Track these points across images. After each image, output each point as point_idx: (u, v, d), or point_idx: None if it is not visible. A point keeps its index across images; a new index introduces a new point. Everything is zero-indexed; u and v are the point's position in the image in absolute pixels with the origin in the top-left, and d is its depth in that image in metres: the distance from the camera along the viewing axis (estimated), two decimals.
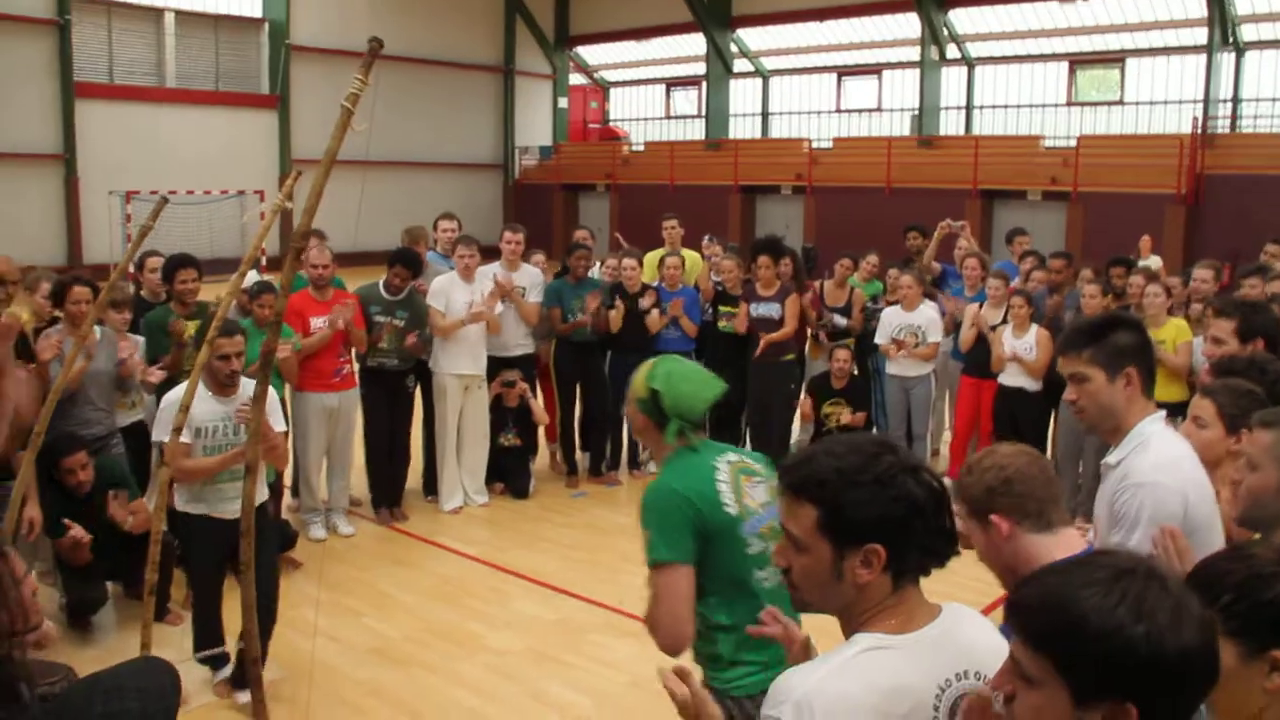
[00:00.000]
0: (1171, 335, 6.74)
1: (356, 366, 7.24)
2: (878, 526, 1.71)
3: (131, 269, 7.77)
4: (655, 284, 8.37)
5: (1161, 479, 2.59)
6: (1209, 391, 3.06)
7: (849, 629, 1.78)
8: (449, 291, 7.41)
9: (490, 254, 8.07)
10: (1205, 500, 2.58)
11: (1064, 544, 2.19)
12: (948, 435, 8.62)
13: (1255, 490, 2.30)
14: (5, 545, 1.90)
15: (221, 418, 4.86)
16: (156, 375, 6.06)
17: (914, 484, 1.72)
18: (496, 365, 7.74)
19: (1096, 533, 2.82)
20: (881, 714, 1.65)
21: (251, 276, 7.31)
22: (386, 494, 7.47)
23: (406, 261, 7.28)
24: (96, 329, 5.95)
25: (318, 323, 6.81)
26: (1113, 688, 1.36)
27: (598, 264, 8.69)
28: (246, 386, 4.77)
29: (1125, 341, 2.73)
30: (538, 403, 8.06)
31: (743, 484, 2.89)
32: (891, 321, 8.09)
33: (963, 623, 1.82)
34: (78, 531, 5.23)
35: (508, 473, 7.99)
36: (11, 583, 2.00)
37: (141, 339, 6.30)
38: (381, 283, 7.29)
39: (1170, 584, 1.41)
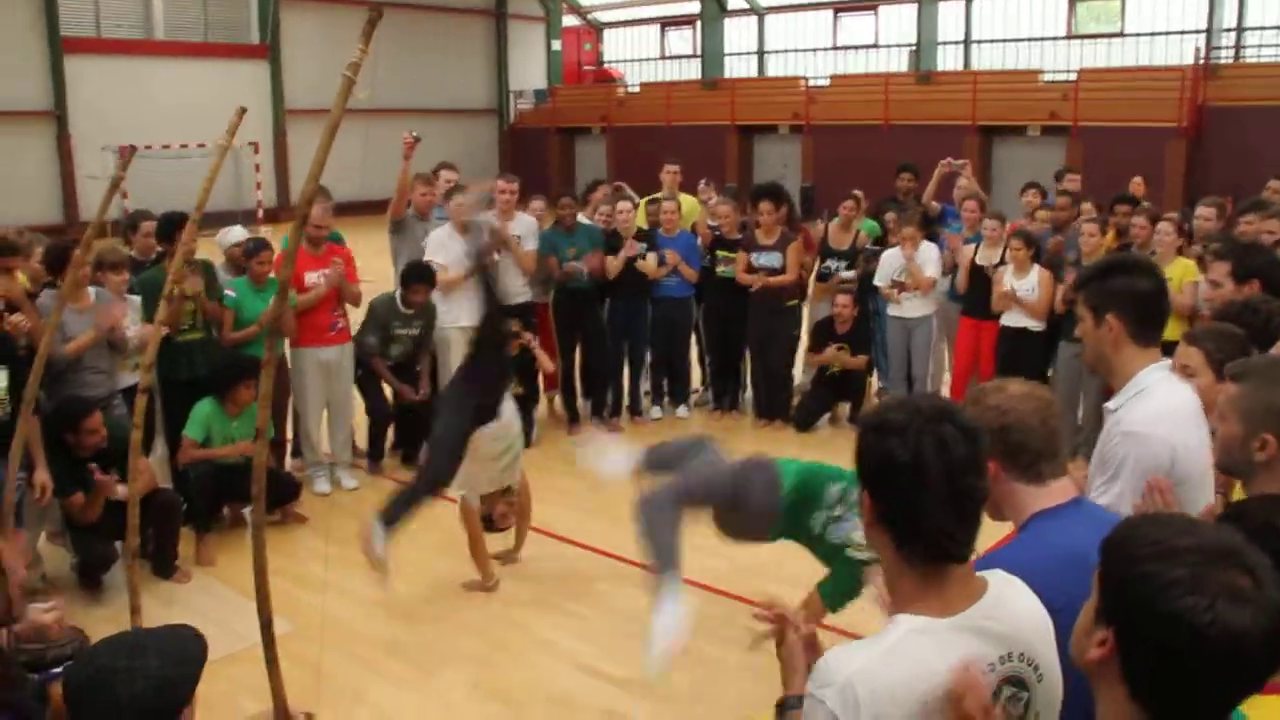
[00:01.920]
0: (1178, 274, 6.70)
1: (346, 321, 7.23)
2: (870, 470, 1.75)
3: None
4: (653, 230, 8.33)
5: (1152, 431, 2.59)
6: (1194, 338, 3.06)
7: (891, 607, 1.80)
8: (446, 244, 7.39)
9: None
10: (1196, 455, 2.58)
11: (1050, 495, 2.22)
12: (947, 378, 8.62)
13: (1224, 439, 2.34)
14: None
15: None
16: (148, 329, 6.06)
17: (931, 446, 1.68)
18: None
19: (1092, 471, 2.83)
20: (927, 699, 1.65)
21: (238, 233, 7.30)
22: (412, 449, 7.54)
23: (424, 277, 7.21)
24: (92, 290, 5.95)
25: (312, 278, 6.80)
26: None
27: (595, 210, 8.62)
28: None
29: (1113, 287, 2.72)
30: (542, 352, 8.01)
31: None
32: (892, 264, 8.08)
33: (1006, 601, 1.79)
34: (103, 475, 5.29)
35: None
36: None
37: (138, 299, 6.30)
38: (398, 296, 7.25)
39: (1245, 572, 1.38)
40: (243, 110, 4.16)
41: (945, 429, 1.70)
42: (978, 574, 1.79)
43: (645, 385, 8.74)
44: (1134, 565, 1.41)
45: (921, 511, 1.68)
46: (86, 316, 5.79)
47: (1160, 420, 2.61)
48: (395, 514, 5.16)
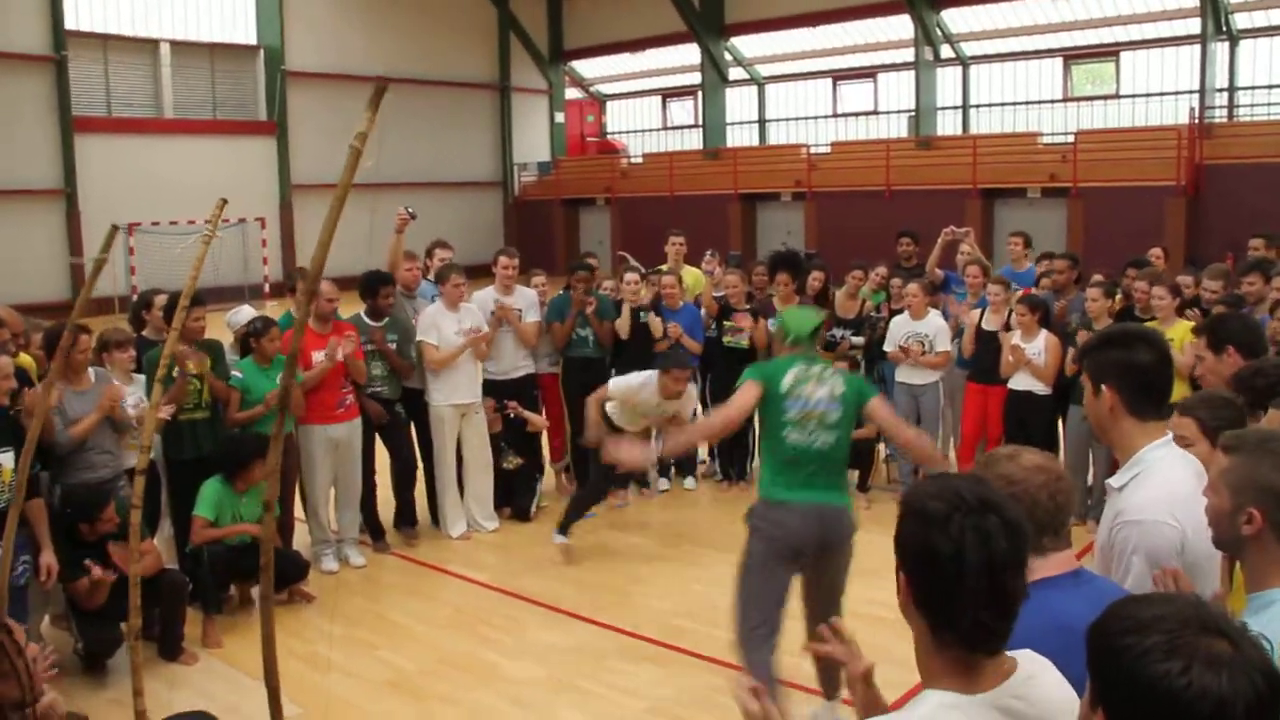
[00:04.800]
0: (1180, 335, 6.74)
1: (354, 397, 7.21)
2: (910, 556, 1.75)
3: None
4: (657, 302, 8.36)
5: (1159, 516, 2.54)
6: (1187, 409, 3.04)
7: (923, 683, 1.80)
8: (437, 322, 7.39)
9: (486, 272, 8.05)
10: (1204, 538, 2.48)
11: (1049, 565, 2.24)
12: (955, 443, 8.59)
13: (1213, 512, 2.28)
14: (5, 618, 1.91)
15: None
16: (165, 412, 6.06)
17: (974, 541, 1.68)
18: (497, 389, 7.74)
19: (1098, 554, 2.80)
20: None
21: (248, 313, 7.34)
22: (401, 524, 7.55)
23: (383, 279, 7.32)
24: (92, 371, 5.96)
25: (318, 356, 6.81)
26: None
27: (599, 285, 8.66)
28: None
29: (1109, 358, 2.72)
30: (531, 414, 7.98)
31: (807, 382, 4.52)
32: (899, 329, 8.08)
33: (1035, 681, 1.79)
34: (99, 571, 5.25)
35: (515, 495, 7.98)
36: (16, 654, 2.01)
37: (143, 378, 6.31)
38: (363, 312, 7.31)
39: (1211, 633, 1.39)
40: (223, 201, 4.26)
41: (989, 521, 1.69)
42: (1008, 653, 1.79)
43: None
44: (1111, 640, 1.43)
45: (961, 605, 1.68)
46: (88, 397, 5.78)
47: (1163, 503, 2.55)
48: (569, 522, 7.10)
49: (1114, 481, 2.72)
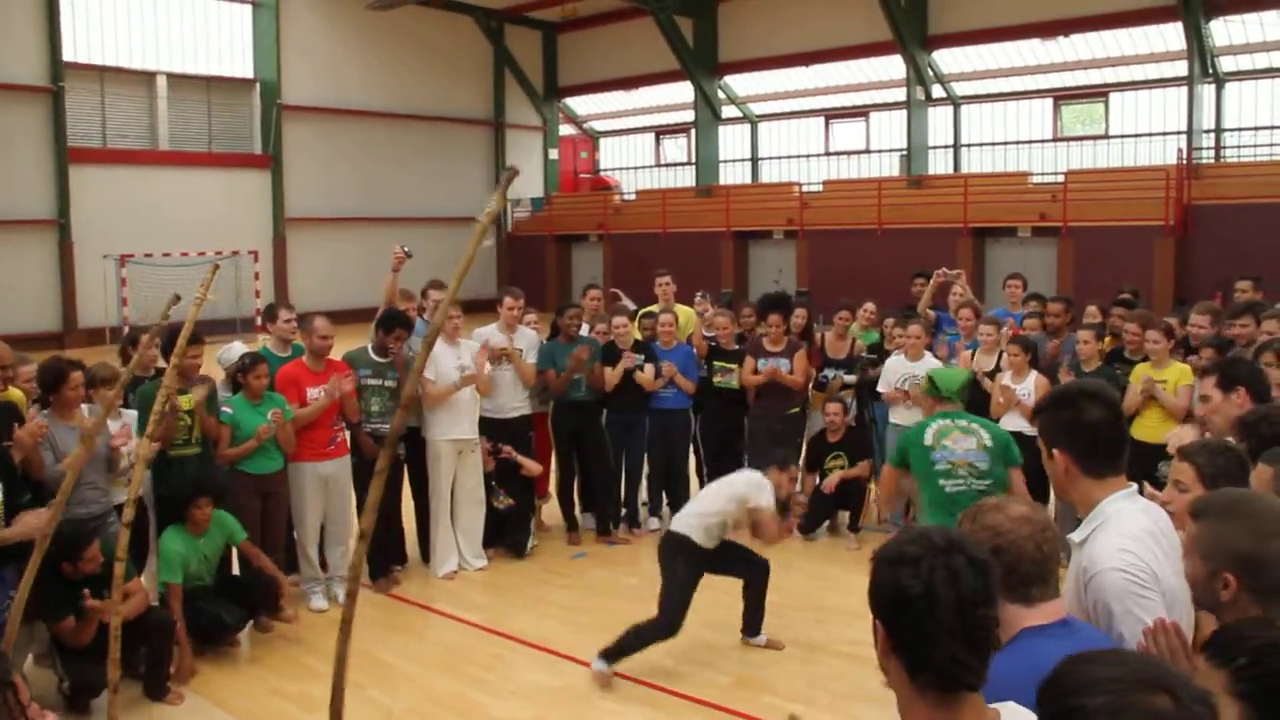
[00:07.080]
0: (1174, 378, 6.79)
1: (346, 434, 7.18)
2: (883, 602, 1.77)
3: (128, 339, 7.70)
4: (651, 342, 8.36)
5: (1124, 558, 2.51)
6: (1187, 454, 3.05)
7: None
8: (436, 357, 7.37)
9: (479, 307, 8.05)
10: (1174, 576, 2.49)
11: (1039, 614, 2.25)
12: None
13: (1190, 578, 2.30)
14: (14, 674, 1.90)
15: None
16: (149, 448, 6.02)
17: (943, 578, 1.71)
18: (493, 428, 7.73)
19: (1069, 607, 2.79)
20: None
21: (239, 349, 7.33)
22: (381, 563, 7.42)
23: (403, 322, 7.30)
24: (85, 407, 5.94)
25: (313, 393, 6.80)
26: None
27: (587, 326, 8.61)
28: None
29: (1059, 419, 2.71)
30: (526, 459, 7.94)
31: (950, 434, 5.36)
32: (895, 370, 8.08)
33: None
34: (98, 607, 5.18)
35: (507, 533, 7.94)
36: (20, 713, 2.00)
37: (134, 413, 6.29)
38: (370, 346, 7.30)
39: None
40: (215, 267, 4.26)
41: (956, 560, 1.73)
42: (991, 705, 1.80)
43: (643, 496, 8.68)
44: (1059, 701, 1.47)
45: (934, 642, 1.71)
46: (78, 433, 5.74)
47: (1126, 547, 2.52)
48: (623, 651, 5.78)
49: (1075, 536, 2.69)
